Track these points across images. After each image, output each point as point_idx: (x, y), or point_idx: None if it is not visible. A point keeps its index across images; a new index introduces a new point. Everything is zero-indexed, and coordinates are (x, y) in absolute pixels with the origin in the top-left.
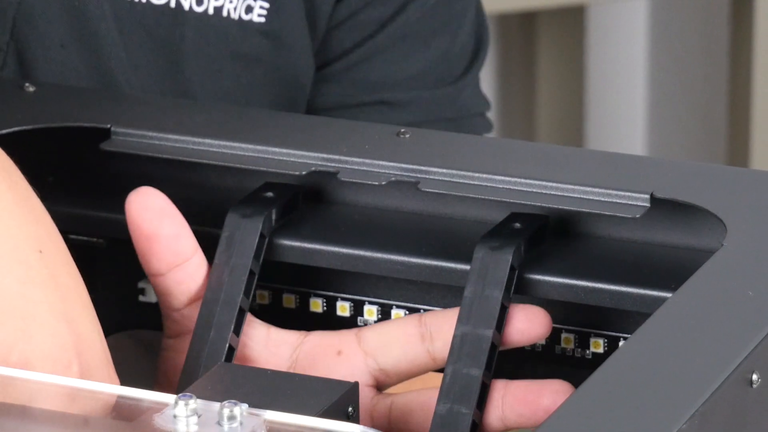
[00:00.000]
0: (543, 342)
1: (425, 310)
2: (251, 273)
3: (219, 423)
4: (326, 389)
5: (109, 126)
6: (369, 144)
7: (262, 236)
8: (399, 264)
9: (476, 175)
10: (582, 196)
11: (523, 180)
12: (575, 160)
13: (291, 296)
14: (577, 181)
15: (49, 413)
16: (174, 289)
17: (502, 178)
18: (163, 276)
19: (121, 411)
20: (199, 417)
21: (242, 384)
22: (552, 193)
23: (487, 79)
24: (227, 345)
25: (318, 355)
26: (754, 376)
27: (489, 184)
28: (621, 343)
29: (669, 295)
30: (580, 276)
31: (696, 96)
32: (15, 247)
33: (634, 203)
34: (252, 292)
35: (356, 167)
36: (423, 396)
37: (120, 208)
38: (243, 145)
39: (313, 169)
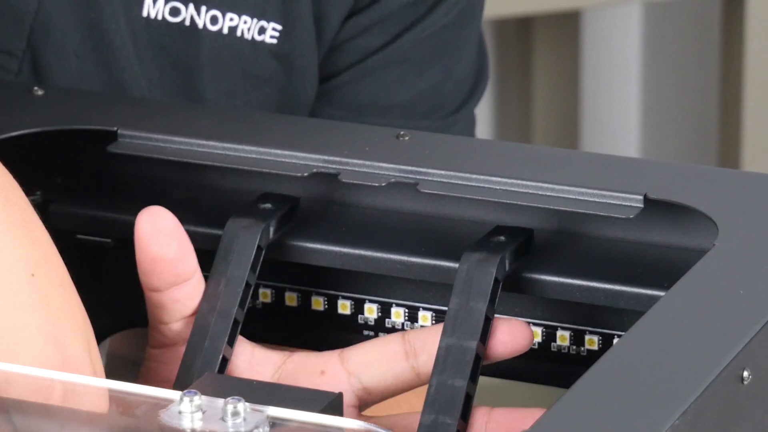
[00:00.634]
0: (539, 339)
1: (424, 308)
2: (247, 285)
3: (223, 419)
4: (311, 399)
5: (115, 129)
6: (369, 146)
7: (259, 248)
8: (398, 263)
9: (474, 176)
10: (577, 197)
11: (519, 181)
12: (571, 162)
13: (293, 295)
14: (572, 182)
15: (56, 409)
16: (169, 306)
17: (499, 179)
18: (161, 292)
19: (127, 407)
20: (203, 413)
21: (229, 393)
22: (548, 194)
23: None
24: (221, 356)
25: (301, 374)
26: (745, 373)
27: (486, 186)
28: (615, 341)
29: (662, 293)
30: (576, 275)
31: (688, 99)
32: (6, 269)
33: (628, 204)
34: (247, 303)
35: (357, 169)
36: (406, 420)
37: (126, 208)
38: (246, 148)
39: (314, 170)
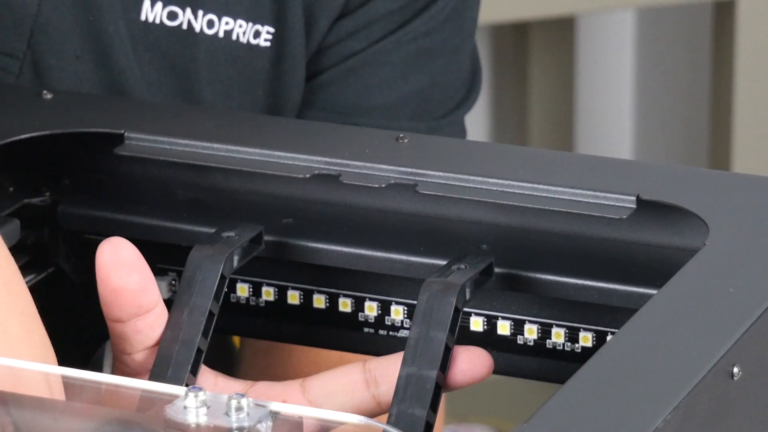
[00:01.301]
0: (535, 336)
1: None
2: (210, 314)
3: (227, 414)
4: None
5: (122, 131)
6: (369, 149)
7: (222, 277)
8: (398, 262)
9: (471, 178)
10: (572, 198)
11: (515, 183)
12: (565, 164)
13: (295, 293)
14: (567, 183)
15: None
16: (131, 337)
17: (496, 180)
18: (123, 323)
19: (133, 402)
20: (208, 408)
21: None
22: (543, 195)
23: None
24: (184, 384)
25: None
26: (735, 369)
27: (483, 187)
28: (609, 338)
29: (654, 291)
30: (571, 274)
31: (680, 103)
32: None
33: (621, 205)
34: (210, 332)
35: (357, 170)
36: None
37: (133, 209)
38: (250, 150)
39: (316, 172)
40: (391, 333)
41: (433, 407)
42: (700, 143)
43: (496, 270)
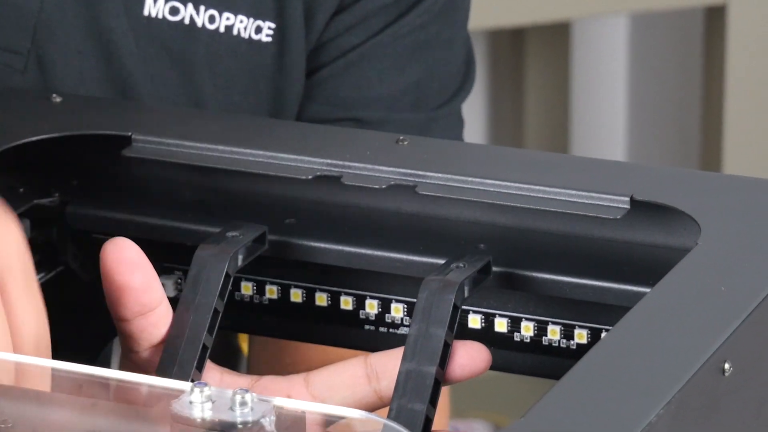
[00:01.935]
0: (531, 333)
1: None
2: (215, 311)
3: (231, 408)
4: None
5: (130, 134)
6: (370, 150)
7: (227, 276)
8: (398, 261)
9: (469, 179)
10: (567, 199)
11: (512, 184)
12: (561, 165)
13: (298, 291)
14: (562, 184)
15: (69, 399)
16: (137, 335)
17: (493, 182)
18: (128, 322)
19: (140, 398)
20: (213, 403)
21: None
22: (539, 195)
23: (479, 91)
24: (190, 380)
25: None
26: (726, 365)
27: (481, 188)
28: (603, 335)
29: (647, 290)
30: (566, 272)
31: (672, 106)
32: None
33: (615, 205)
34: (215, 329)
35: (358, 172)
36: None
37: (140, 209)
38: (254, 152)
39: (318, 173)
40: (391, 330)
41: (433, 402)
42: (691, 145)
43: (494, 269)
